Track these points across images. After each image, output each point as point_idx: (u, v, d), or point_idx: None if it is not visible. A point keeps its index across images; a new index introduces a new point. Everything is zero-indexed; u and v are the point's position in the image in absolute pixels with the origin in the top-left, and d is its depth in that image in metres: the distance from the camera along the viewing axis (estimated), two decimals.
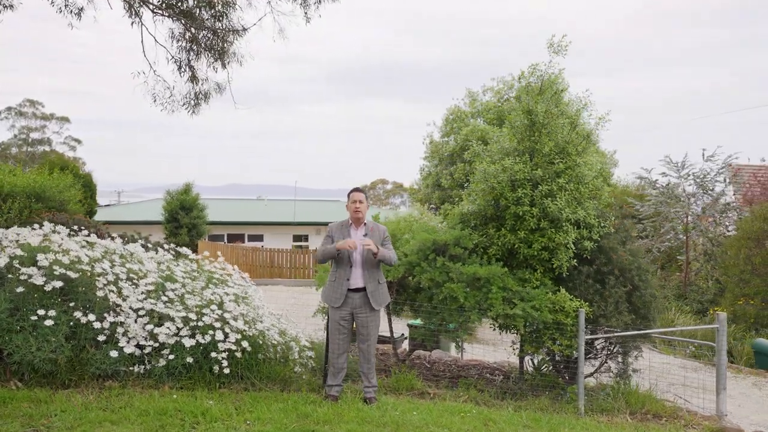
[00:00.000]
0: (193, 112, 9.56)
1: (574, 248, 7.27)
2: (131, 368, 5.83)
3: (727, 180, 18.56)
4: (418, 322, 8.87)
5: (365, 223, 6.21)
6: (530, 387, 7.64)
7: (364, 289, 6.10)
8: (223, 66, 9.18)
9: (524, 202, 7.31)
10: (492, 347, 8.03)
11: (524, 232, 7.32)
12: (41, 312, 5.44)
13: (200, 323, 5.97)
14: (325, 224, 33.60)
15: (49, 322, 5.41)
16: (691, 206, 17.67)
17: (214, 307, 6.12)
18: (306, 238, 33.83)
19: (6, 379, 5.52)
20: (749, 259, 14.42)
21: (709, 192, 17.91)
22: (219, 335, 5.94)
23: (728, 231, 17.52)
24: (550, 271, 7.49)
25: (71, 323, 5.57)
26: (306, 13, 9.79)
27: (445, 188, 23.76)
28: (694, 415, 7.38)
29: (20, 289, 5.54)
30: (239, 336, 6.06)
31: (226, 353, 5.95)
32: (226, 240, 32.03)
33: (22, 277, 5.58)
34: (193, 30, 8.89)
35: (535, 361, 8.17)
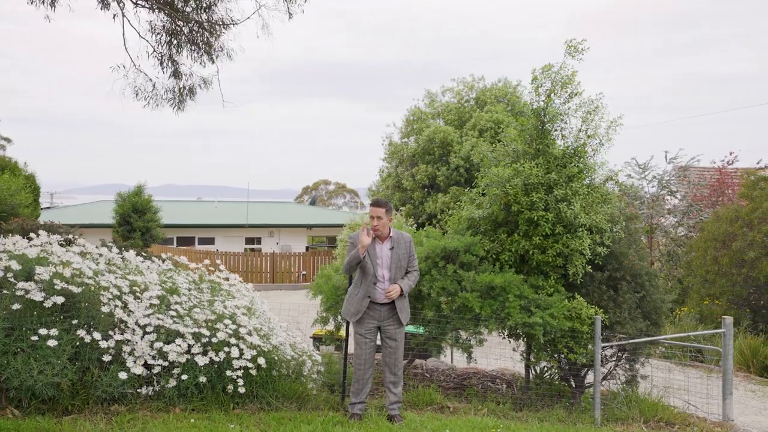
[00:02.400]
0: (178, 108, 9.01)
1: (589, 254, 7.10)
2: (139, 390, 5.34)
3: (675, 181, 18.89)
4: (420, 330, 8.58)
5: (390, 236, 5.85)
6: (538, 396, 7.44)
7: (391, 302, 5.75)
8: (212, 60, 8.66)
9: (538, 207, 7.09)
10: (481, 354, 7.78)
11: (538, 238, 7.11)
12: (43, 331, 4.91)
13: (214, 339, 5.52)
14: (279, 226, 33.05)
15: (52, 343, 4.88)
16: (655, 207, 17.94)
17: (227, 321, 5.67)
18: (259, 240, 33.08)
19: (1, 407, 4.95)
20: (716, 260, 14.66)
21: (673, 194, 18.24)
22: (234, 352, 5.51)
23: (690, 232, 17.86)
24: (563, 277, 7.30)
25: (77, 343, 5.05)
26: (289, 8, 9.37)
27: (407, 189, 23.60)
28: (704, 422, 7.32)
29: (16, 306, 4.99)
30: (255, 352, 5.63)
31: (242, 371, 5.53)
32: (175, 243, 31.01)
33: (18, 293, 5.03)
34: (178, 21, 8.35)
35: (538, 369, 7.99)
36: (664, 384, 8.42)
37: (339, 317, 7.78)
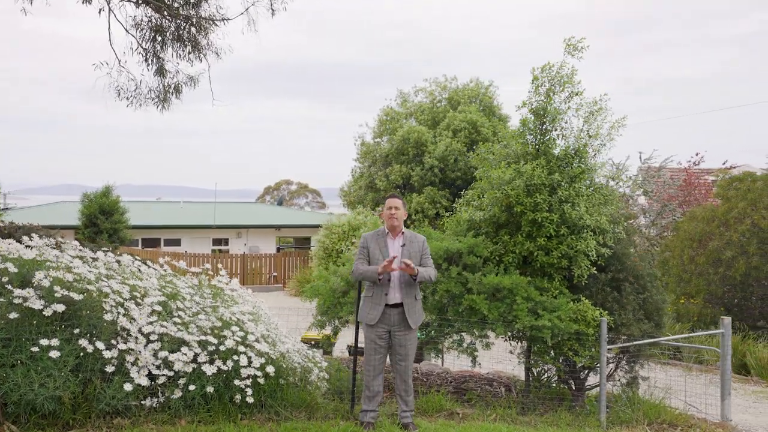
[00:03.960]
0: (163, 107, 8.68)
1: (594, 255, 7.03)
2: (143, 402, 5.06)
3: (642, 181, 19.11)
4: (417, 334, 8.40)
5: (403, 233, 5.69)
6: (539, 399, 7.35)
7: (401, 304, 5.58)
8: (199, 58, 8.36)
9: (542, 208, 6.99)
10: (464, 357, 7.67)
11: (542, 240, 7.01)
12: (44, 342, 4.60)
13: (222, 347, 5.27)
14: (246, 227, 32.56)
15: (54, 354, 4.58)
16: (630, 207, 18.10)
17: (235, 328, 5.42)
18: (226, 241, 32.51)
19: None
20: (693, 260, 14.84)
21: (648, 194, 18.44)
22: (243, 360, 5.27)
23: (665, 232, 18.07)
24: (566, 279, 7.22)
25: (80, 354, 4.75)
26: (272, 4, 9.12)
27: (380, 190, 23.43)
28: (705, 423, 7.32)
29: (13, 315, 4.67)
30: (263, 360, 5.40)
31: (250, 380, 5.29)
32: (140, 245, 30.25)
33: (16, 301, 4.71)
34: (165, 16, 8.04)
35: (535, 372, 7.90)
36: (663, 385, 8.41)
37: (336, 322, 7.58)
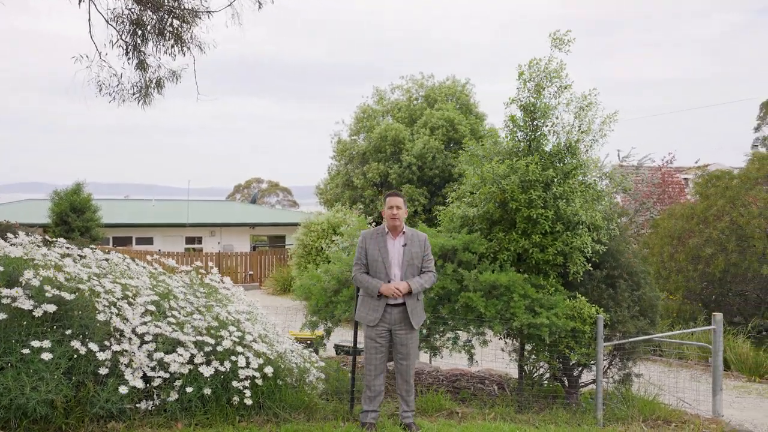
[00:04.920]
0: (144, 102, 8.42)
1: (590, 252, 6.97)
2: (137, 405, 4.87)
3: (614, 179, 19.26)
4: None
5: (403, 232, 5.55)
6: (534, 397, 7.29)
7: (403, 303, 5.45)
8: (182, 52, 8.12)
9: (537, 205, 6.92)
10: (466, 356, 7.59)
11: (538, 236, 6.94)
12: (35, 343, 4.39)
13: (219, 348, 5.09)
14: (219, 226, 32.15)
15: (47, 356, 4.37)
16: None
17: (232, 328, 5.25)
18: (200, 240, 32.05)
19: None
20: (672, 257, 14.96)
21: (627, 191, 18.56)
22: (241, 361, 5.10)
23: (642, 229, 18.20)
24: (561, 276, 7.17)
25: (73, 356, 4.54)
26: None
27: (357, 188, 23.29)
28: (698, 418, 7.33)
29: (2, 316, 4.45)
30: (261, 361, 5.24)
31: (248, 381, 5.12)
32: (111, 243, 29.66)
33: (4, 301, 4.49)
34: (148, 6, 7.79)
35: (527, 369, 7.84)
36: (654, 381, 8.42)
37: (328, 322, 7.42)
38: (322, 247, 17.09)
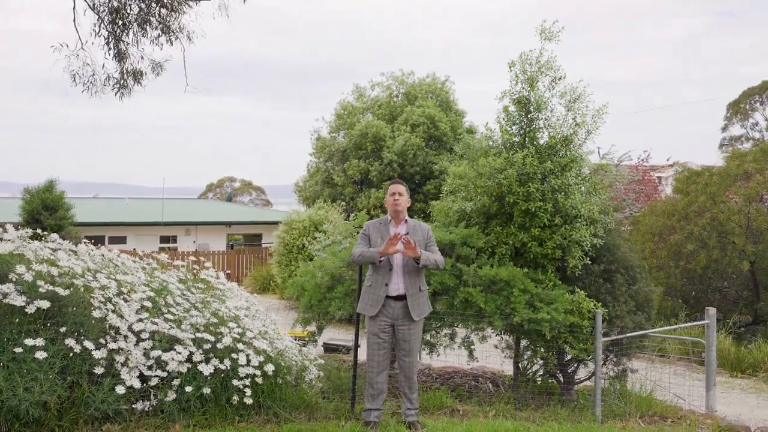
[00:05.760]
0: (122, 94, 8.15)
1: (588, 246, 6.92)
2: (134, 405, 4.67)
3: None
4: None
5: (406, 221, 5.44)
6: (530, 394, 7.22)
7: (404, 296, 5.32)
8: (170, 42, 7.88)
9: (535, 198, 6.84)
10: (459, 353, 7.48)
11: (536, 230, 6.86)
12: (29, 342, 4.17)
13: (219, 345, 4.91)
14: (195, 224, 31.69)
15: (41, 354, 4.15)
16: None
17: (232, 324, 5.07)
18: (174, 239, 31.54)
19: None
20: (654, 253, 15.04)
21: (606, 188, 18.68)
22: (242, 358, 4.93)
23: (623, 226, 18.30)
24: (558, 270, 7.10)
25: (68, 354, 4.33)
26: None
27: (338, 185, 23.08)
28: (693, 414, 7.32)
29: None
30: (262, 358, 5.07)
31: (248, 380, 4.95)
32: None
33: None
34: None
35: (521, 366, 7.76)
36: (649, 377, 8.41)
37: (320, 319, 7.27)
38: (304, 245, 16.88)
